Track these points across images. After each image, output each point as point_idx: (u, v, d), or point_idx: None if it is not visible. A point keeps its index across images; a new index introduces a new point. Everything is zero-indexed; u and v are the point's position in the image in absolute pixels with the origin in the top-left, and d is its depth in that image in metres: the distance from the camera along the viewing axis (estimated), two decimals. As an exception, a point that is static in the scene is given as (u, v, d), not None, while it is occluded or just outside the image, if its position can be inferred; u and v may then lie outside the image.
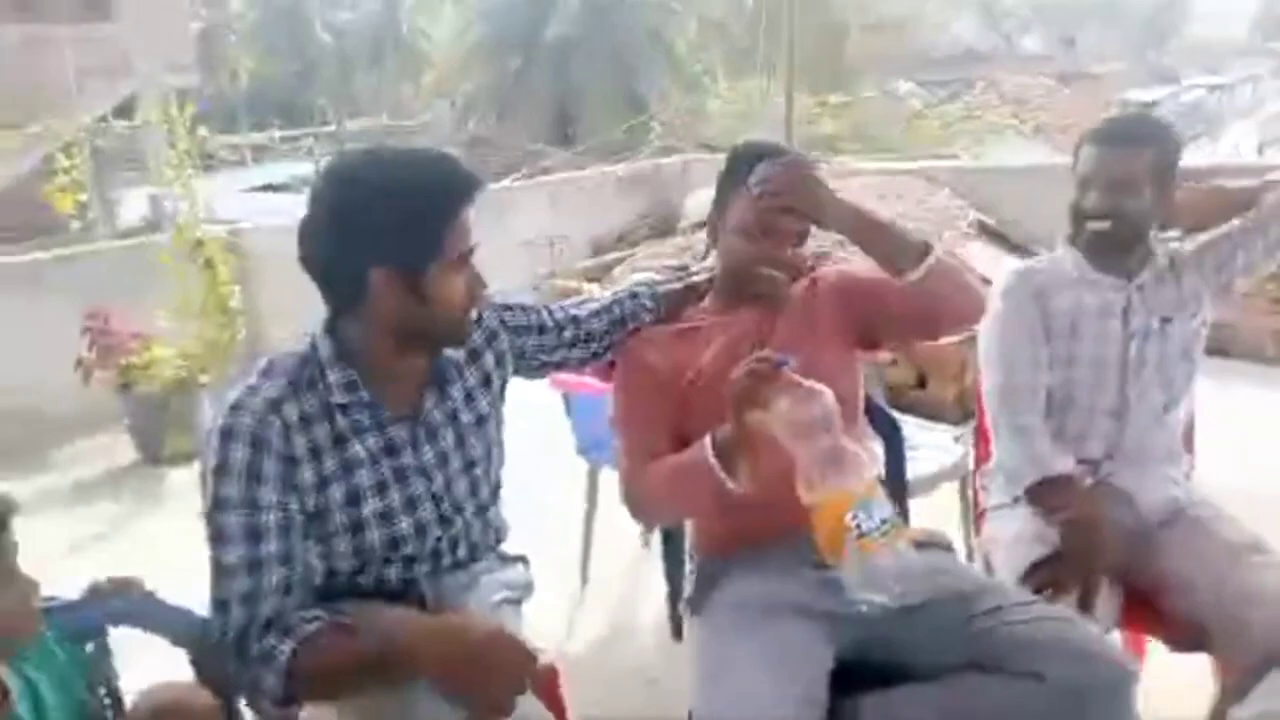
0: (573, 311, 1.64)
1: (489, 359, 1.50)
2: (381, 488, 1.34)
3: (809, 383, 1.26)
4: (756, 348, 1.41)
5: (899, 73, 14.76)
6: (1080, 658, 1.31)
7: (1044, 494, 1.66)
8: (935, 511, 2.17)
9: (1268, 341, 4.45)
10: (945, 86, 14.29)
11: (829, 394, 1.25)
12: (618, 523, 1.59)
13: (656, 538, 2.13)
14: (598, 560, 2.76)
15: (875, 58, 14.66)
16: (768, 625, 1.41)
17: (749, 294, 1.58)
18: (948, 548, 1.59)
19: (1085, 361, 1.75)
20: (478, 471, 1.46)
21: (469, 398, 1.45)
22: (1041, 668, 1.30)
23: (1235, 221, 1.76)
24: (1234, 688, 1.47)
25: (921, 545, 1.51)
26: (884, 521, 1.21)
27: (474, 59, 13.98)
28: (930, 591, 1.42)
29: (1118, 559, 1.60)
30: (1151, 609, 1.64)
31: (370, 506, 1.33)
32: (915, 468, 2.25)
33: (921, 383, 3.65)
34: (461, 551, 1.45)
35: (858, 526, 1.20)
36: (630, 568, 2.82)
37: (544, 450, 2.79)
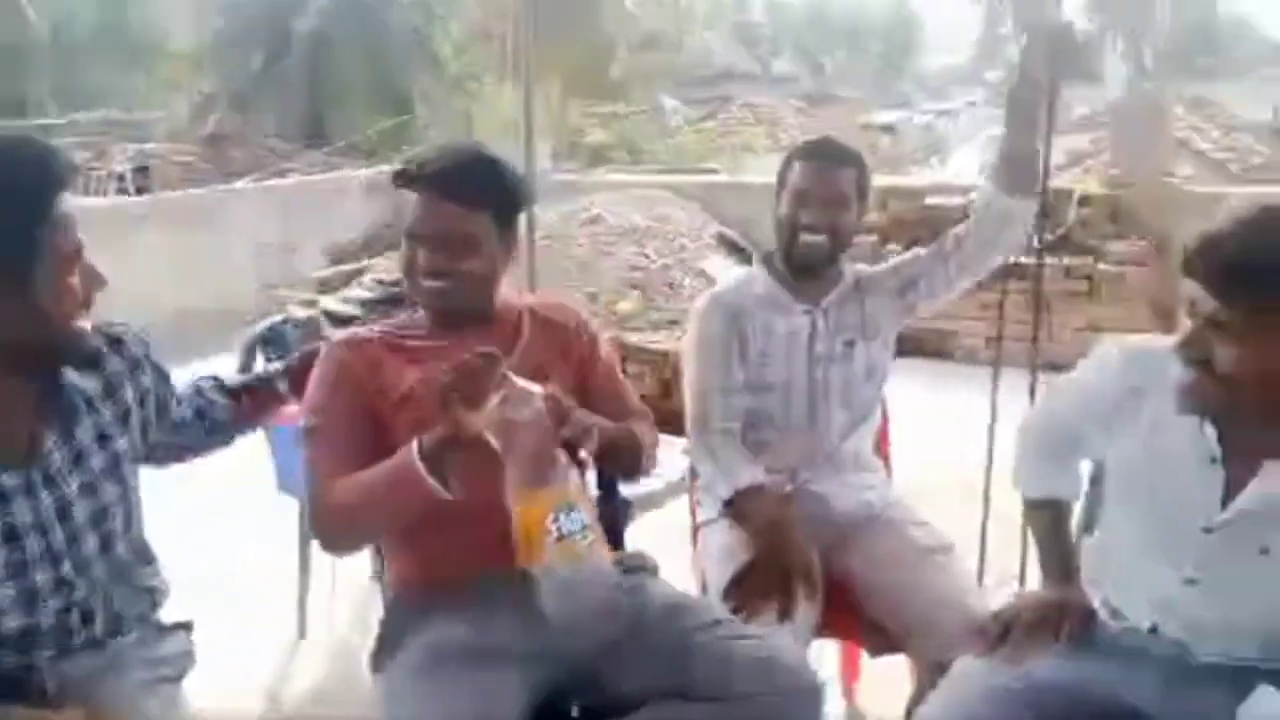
0: (180, 389, 1.45)
1: (129, 393, 1.28)
2: None
3: (523, 383, 1.23)
4: None
5: (665, 88, 15.20)
6: (770, 672, 1.32)
7: (739, 504, 1.68)
8: (667, 527, 2.15)
9: (981, 345, 4.89)
10: (706, 104, 14.86)
11: (539, 395, 1.23)
12: (345, 560, 1.47)
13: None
14: (320, 604, 2.53)
15: (643, 73, 15.02)
16: (457, 678, 1.30)
17: (423, 306, 1.49)
18: (653, 571, 1.55)
19: (776, 386, 1.79)
20: (112, 525, 1.24)
21: (102, 436, 1.24)
22: (736, 686, 1.30)
23: (919, 250, 1.85)
24: (927, 685, 1.52)
25: (625, 569, 1.47)
26: (585, 527, 1.23)
27: (215, 50, 12.85)
28: (630, 620, 1.38)
29: (813, 561, 1.60)
30: (850, 616, 1.69)
31: None
32: (644, 483, 2.22)
33: (666, 392, 3.66)
34: (99, 627, 1.24)
35: (559, 529, 1.20)
36: (361, 605, 2.61)
37: (254, 490, 2.52)
